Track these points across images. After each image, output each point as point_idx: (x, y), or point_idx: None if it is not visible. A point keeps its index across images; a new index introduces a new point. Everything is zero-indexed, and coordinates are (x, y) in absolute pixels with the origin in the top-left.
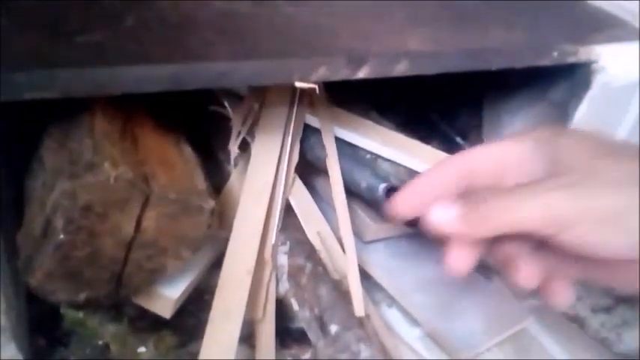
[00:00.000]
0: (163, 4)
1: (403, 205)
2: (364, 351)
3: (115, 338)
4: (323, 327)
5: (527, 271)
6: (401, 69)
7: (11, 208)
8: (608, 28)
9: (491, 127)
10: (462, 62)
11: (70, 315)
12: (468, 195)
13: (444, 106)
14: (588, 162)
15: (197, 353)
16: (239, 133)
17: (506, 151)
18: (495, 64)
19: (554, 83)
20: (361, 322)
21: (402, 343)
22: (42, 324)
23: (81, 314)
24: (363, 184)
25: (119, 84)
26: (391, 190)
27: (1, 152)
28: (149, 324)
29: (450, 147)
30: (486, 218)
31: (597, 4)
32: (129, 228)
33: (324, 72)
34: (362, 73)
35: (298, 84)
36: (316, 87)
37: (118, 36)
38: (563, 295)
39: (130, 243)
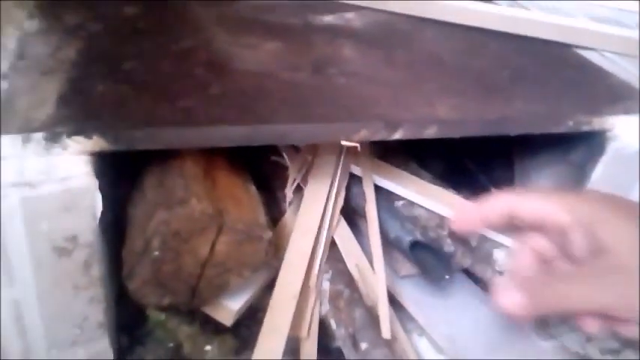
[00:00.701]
0: (241, 76)
1: (458, 222)
2: None
3: (187, 338)
4: (355, 344)
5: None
6: (430, 133)
7: (117, 231)
8: (624, 100)
9: (522, 180)
10: (484, 129)
11: (154, 316)
12: (533, 276)
13: (482, 160)
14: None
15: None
16: (294, 180)
17: (545, 206)
18: (514, 131)
19: (574, 147)
20: (387, 343)
21: None
22: (126, 326)
23: (163, 316)
24: (392, 235)
25: (206, 140)
26: (415, 244)
27: (114, 193)
28: (214, 329)
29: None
30: (553, 303)
31: (622, 74)
32: (205, 251)
33: (365, 134)
34: (397, 136)
35: (344, 143)
36: (358, 145)
37: (206, 102)
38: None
39: (205, 262)
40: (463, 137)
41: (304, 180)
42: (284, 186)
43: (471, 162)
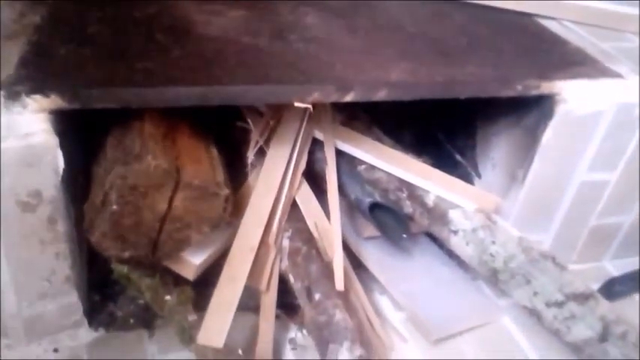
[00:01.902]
0: (203, 41)
1: None
2: (337, 314)
3: (149, 289)
4: (309, 295)
5: None
6: (381, 95)
7: (82, 190)
8: (576, 65)
9: (483, 146)
10: (433, 92)
11: (118, 269)
12: None
13: (447, 129)
14: None
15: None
16: (257, 142)
17: None
18: (463, 93)
19: (527, 112)
20: (341, 294)
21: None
22: (97, 285)
23: (126, 269)
24: (352, 197)
25: (161, 100)
26: (375, 206)
27: (77, 151)
28: (174, 281)
29: (451, 162)
30: None
31: (578, 42)
32: (163, 205)
33: (318, 96)
34: (349, 98)
35: (297, 104)
36: (311, 107)
37: (165, 64)
38: None
39: (164, 217)
40: (414, 100)
41: (267, 144)
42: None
43: (440, 132)
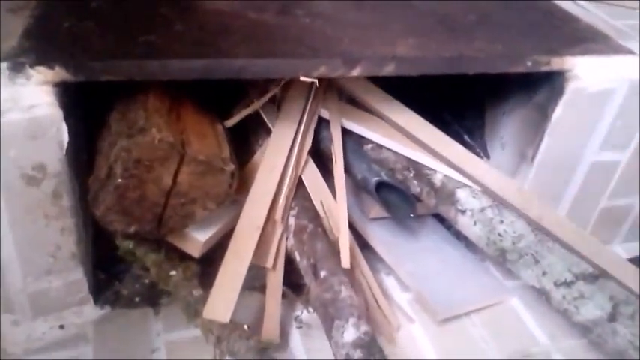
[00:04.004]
0: (207, 15)
1: None
2: (343, 291)
3: (154, 264)
4: (315, 273)
5: None
6: (389, 70)
7: (87, 166)
8: (587, 42)
9: (492, 126)
10: (441, 67)
11: (124, 245)
12: None
13: (455, 109)
14: None
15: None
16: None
17: None
18: (472, 69)
19: (537, 89)
20: (346, 272)
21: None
22: (103, 263)
23: (131, 245)
24: (359, 176)
25: (164, 72)
26: (382, 185)
27: (82, 126)
28: (180, 256)
29: (460, 143)
30: None
31: (590, 19)
32: (168, 180)
33: (324, 70)
34: (355, 72)
35: (302, 78)
36: (316, 81)
37: (168, 37)
38: None
39: (169, 192)
40: (422, 75)
41: (273, 123)
42: (257, 130)
43: (447, 113)
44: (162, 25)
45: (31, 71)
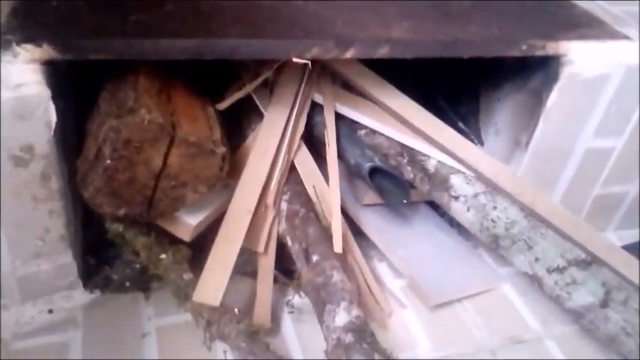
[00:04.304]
0: None
1: None
2: (335, 275)
3: (144, 247)
4: (307, 257)
5: None
6: (383, 52)
7: (76, 148)
8: (583, 27)
9: (486, 112)
10: (436, 50)
11: (113, 228)
12: None
13: (450, 95)
14: None
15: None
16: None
17: None
18: (467, 53)
19: (532, 74)
20: (338, 257)
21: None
22: (92, 248)
23: (120, 228)
24: (352, 162)
25: (155, 52)
26: (376, 171)
27: (71, 108)
28: (170, 240)
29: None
30: None
31: (586, 5)
32: (158, 161)
33: (317, 51)
34: (349, 54)
35: (295, 59)
36: (309, 63)
37: (159, 17)
38: None
39: (159, 174)
40: (416, 59)
41: (265, 107)
42: (250, 115)
43: (441, 99)
44: (153, 5)
45: (17, 49)
